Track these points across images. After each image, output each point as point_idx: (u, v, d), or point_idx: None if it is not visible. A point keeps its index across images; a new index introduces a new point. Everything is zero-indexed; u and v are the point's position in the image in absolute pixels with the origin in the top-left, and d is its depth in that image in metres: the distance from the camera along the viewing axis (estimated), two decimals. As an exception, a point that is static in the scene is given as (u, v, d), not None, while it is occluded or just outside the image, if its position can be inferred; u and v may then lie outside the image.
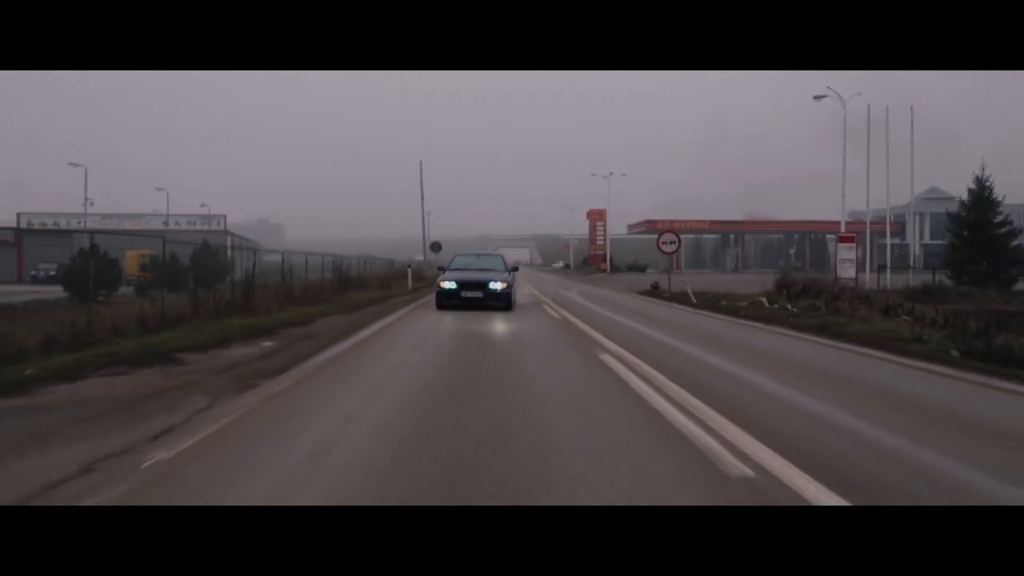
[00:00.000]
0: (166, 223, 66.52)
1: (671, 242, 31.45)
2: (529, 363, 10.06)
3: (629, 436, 5.78)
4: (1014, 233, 43.12)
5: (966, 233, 42.15)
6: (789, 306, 21.08)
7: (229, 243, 48.23)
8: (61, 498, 4.09)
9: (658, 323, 17.23)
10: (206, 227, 65.41)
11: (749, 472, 4.74)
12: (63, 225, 63.93)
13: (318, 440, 5.49)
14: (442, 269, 21.60)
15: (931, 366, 10.44)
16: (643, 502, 4.14)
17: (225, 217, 69.93)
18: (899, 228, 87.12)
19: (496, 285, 18.77)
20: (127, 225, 65.21)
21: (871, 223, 57.35)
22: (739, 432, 5.79)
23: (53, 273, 34.51)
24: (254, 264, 21.43)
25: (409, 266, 38.92)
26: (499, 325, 15.11)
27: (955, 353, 11.64)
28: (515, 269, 22.32)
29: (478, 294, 18.63)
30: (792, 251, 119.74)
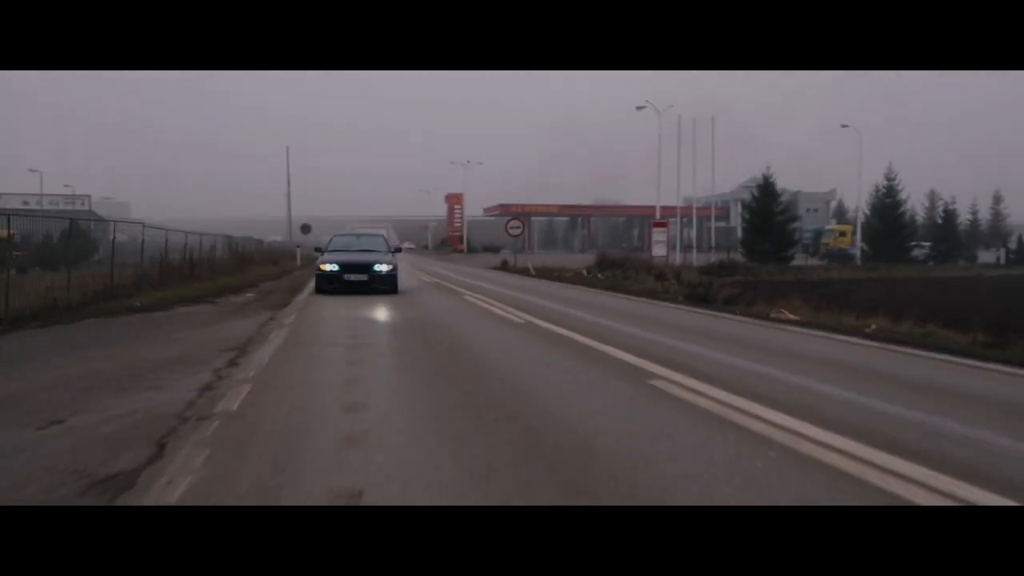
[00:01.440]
0: (26, 203, 67.42)
1: (516, 227, 38.61)
2: (425, 298, 16.71)
3: (475, 316, 12.55)
4: (791, 219, 53.44)
5: (755, 220, 51.81)
6: (599, 275, 28.62)
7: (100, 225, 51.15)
8: (271, 328, 10.28)
9: (500, 284, 24.18)
10: (70, 206, 66.91)
11: (523, 322, 11.57)
12: None
13: (343, 308, 11.87)
14: (320, 251, 19.98)
15: (659, 302, 17.81)
16: (480, 335, 10.85)
17: (89, 197, 71.54)
18: (725, 212, 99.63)
19: (381, 268, 17.73)
20: (-16, 206, 65.79)
21: (699, 208, 67.47)
22: (523, 313, 12.66)
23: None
24: (167, 242, 26.00)
25: (298, 246, 44.19)
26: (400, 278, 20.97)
27: (680, 298, 19.15)
28: (398, 250, 21.50)
29: (362, 276, 17.50)
30: (635, 232, 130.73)
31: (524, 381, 7.20)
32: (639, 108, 48.67)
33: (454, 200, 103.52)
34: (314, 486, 3.89)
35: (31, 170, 72.96)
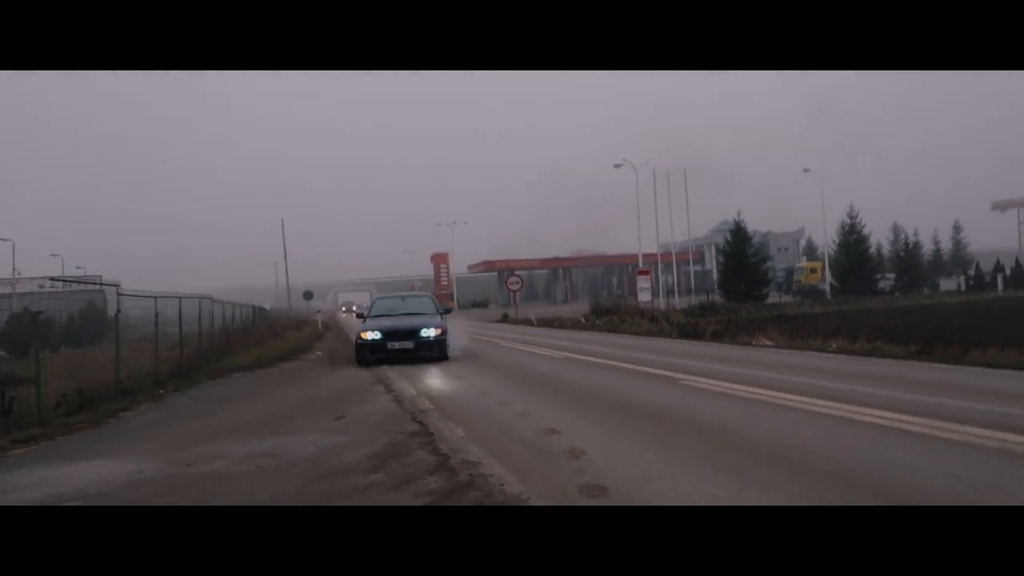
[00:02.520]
0: (41, 286, 70.36)
1: (516, 282, 42.39)
2: (466, 344, 20.25)
3: (520, 355, 16.15)
4: (763, 260, 57.75)
5: (730, 263, 55.99)
6: (597, 321, 32.33)
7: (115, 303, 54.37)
8: (383, 370, 13.75)
9: (515, 333, 27.78)
10: (81, 287, 69.76)
11: (561, 356, 15.14)
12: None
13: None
14: (362, 317, 18.78)
15: (657, 338, 21.48)
16: (537, 366, 14.40)
17: (100, 276, 74.57)
18: (700, 256, 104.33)
19: (429, 333, 15.95)
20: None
21: (678, 253, 71.95)
22: (555, 351, 16.24)
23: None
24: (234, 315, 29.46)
25: (318, 311, 47.64)
26: None
27: (675, 334, 22.83)
28: (447, 311, 19.52)
29: (407, 344, 15.82)
30: (615, 280, 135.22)
31: (590, 386, 10.83)
32: (617, 166, 52.97)
33: (439, 259, 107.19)
34: (510, 419, 7.43)
35: (53, 255, 76.05)
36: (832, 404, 7.95)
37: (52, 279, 11.86)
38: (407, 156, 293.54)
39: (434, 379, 12.62)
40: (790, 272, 77.07)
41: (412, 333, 16.02)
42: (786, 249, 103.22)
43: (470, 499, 4.96)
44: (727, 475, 5.36)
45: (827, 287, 61.90)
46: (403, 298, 20.33)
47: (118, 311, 13.75)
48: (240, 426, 8.76)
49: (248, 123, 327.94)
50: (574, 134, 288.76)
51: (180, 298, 18.56)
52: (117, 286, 13.50)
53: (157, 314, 16.15)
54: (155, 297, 16.17)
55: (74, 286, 78.53)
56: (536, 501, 4.82)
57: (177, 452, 7.23)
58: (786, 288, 68.33)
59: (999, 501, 4.49)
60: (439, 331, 16.11)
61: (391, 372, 13.90)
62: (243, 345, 25.09)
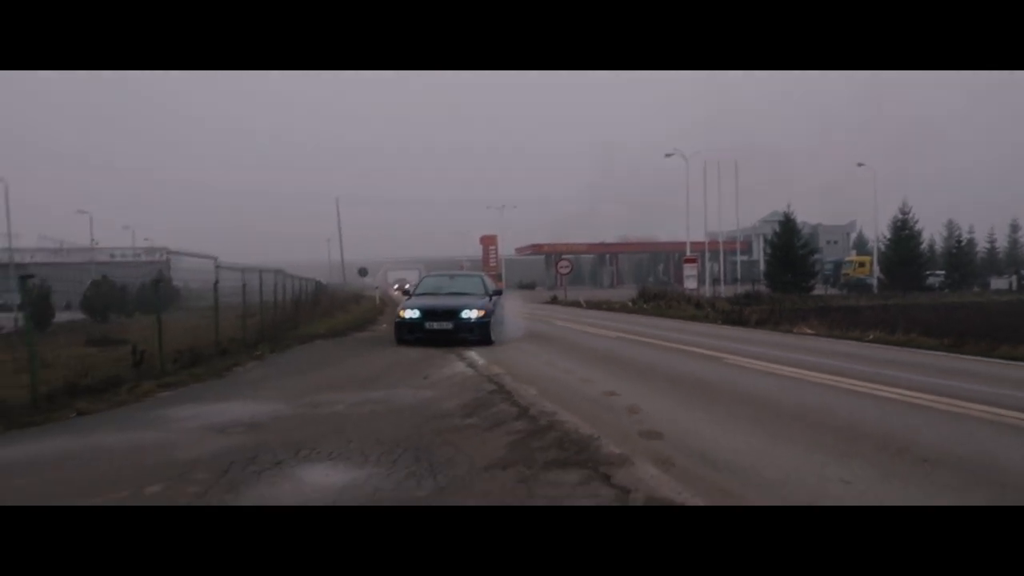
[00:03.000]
0: (112, 255, 73.70)
1: (566, 266, 43.71)
2: (523, 324, 21.63)
3: (575, 334, 17.46)
4: (811, 252, 58.08)
5: (777, 253, 56.46)
6: (644, 305, 33.49)
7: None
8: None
9: (566, 314, 29.09)
10: (150, 259, 73.11)
11: (614, 335, 16.43)
12: (16, 259, 70.29)
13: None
14: (407, 293, 18.27)
15: (702, 323, 22.63)
16: (592, 344, 15.71)
17: (167, 249, 77.69)
18: (748, 246, 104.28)
19: (470, 313, 15.24)
20: (75, 259, 71.94)
21: (725, 243, 72.56)
22: (606, 331, 17.51)
23: (15, 302, 41.05)
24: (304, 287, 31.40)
25: (377, 287, 49.59)
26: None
27: (719, 320, 23.94)
28: (498, 292, 17.91)
29: (446, 325, 15.14)
30: (661, 267, 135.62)
31: (642, 361, 12.14)
32: (668, 155, 53.75)
33: (488, 241, 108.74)
34: (574, 384, 8.77)
35: (124, 227, 79.67)
36: (856, 382, 9.16)
37: (170, 252, 13.00)
38: (461, 141, 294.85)
39: (501, 351, 13.99)
40: (838, 265, 76.88)
41: (452, 313, 15.34)
42: (836, 242, 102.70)
43: (551, 439, 6.30)
44: (761, 428, 6.66)
45: (874, 281, 61.95)
46: (451, 277, 19.49)
47: (216, 280, 15.35)
48: (341, 382, 10.24)
49: (308, 112, 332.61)
50: (626, 119, 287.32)
51: (260, 271, 20.51)
52: (215, 259, 14.96)
53: (244, 285, 17.81)
54: (242, 270, 17.90)
55: (143, 258, 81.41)
56: (606, 443, 6.13)
57: (299, 398, 8.73)
58: (833, 281, 68.43)
59: (977, 454, 5.72)
60: (481, 313, 15.33)
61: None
62: (312, 316, 26.82)
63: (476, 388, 9.15)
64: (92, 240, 67.62)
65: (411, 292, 17.70)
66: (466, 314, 15.27)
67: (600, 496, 4.59)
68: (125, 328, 21.11)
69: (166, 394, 9.38)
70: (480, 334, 15.09)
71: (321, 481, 5.12)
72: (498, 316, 16.56)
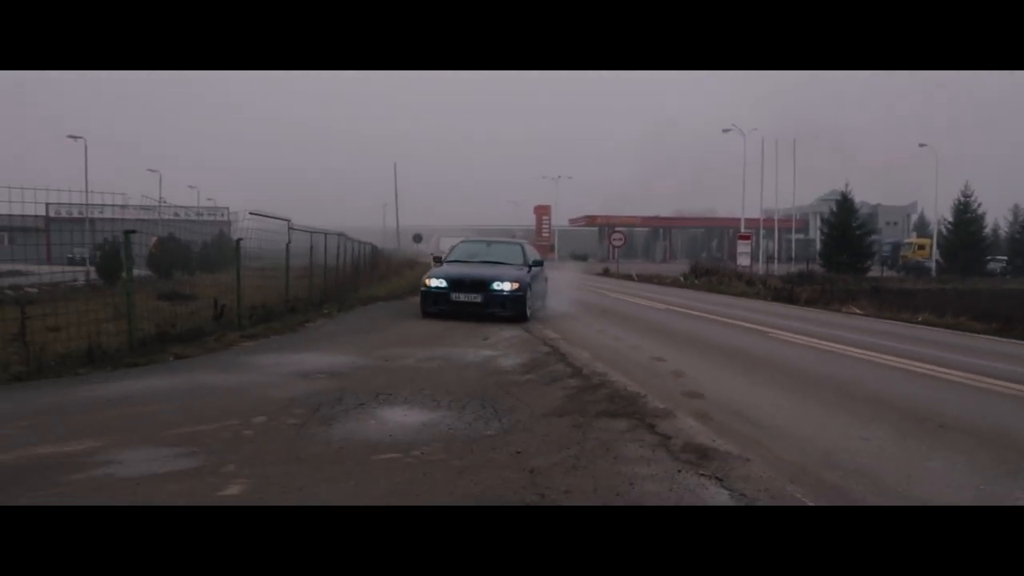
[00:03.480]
0: (177, 214, 76.16)
1: (619, 239, 44.08)
2: (576, 295, 22.28)
3: (627, 306, 18.05)
4: (868, 232, 57.34)
5: (834, 233, 55.90)
6: (696, 280, 33.82)
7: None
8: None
9: (618, 287, 29.67)
10: (212, 217, 75.36)
11: (664, 308, 16.99)
12: (85, 214, 72.81)
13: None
14: (438, 260, 16.25)
15: (753, 300, 23.00)
16: (644, 316, 16.31)
17: (228, 209, 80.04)
18: (804, 225, 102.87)
19: (503, 285, 13.63)
20: (141, 215, 74.33)
21: (781, 220, 71.88)
22: (657, 304, 18.06)
23: (86, 256, 43.09)
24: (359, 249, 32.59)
25: (431, 253, 50.57)
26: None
27: (769, 298, 24.26)
28: (539, 263, 15.77)
29: (475, 297, 13.61)
30: (714, 243, 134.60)
31: (690, 332, 12.73)
32: (725, 131, 53.45)
33: (542, 211, 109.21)
34: (624, 350, 9.41)
35: (190, 187, 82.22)
36: (892, 358, 9.66)
37: (252, 213, 13.83)
38: (520, 109, 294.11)
39: (553, 320, 14.68)
40: (896, 247, 75.53)
41: (482, 285, 13.70)
42: (895, 223, 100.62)
43: (602, 395, 6.98)
44: (795, 393, 7.28)
45: (933, 264, 60.95)
46: (488, 244, 17.23)
47: (288, 241, 16.28)
48: (407, 340, 11.04)
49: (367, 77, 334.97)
50: (685, 92, 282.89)
51: (325, 234, 21.46)
52: (288, 221, 15.77)
53: (312, 247, 18.80)
54: (311, 232, 18.82)
55: (206, 216, 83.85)
56: (652, 400, 6.78)
57: (370, 352, 9.55)
58: (891, 263, 67.40)
59: (993, 425, 6.25)
60: (515, 286, 13.62)
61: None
62: (370, 280, 27.83)
63: (533, 350, 9.87)
64: (160, 199, 70.01)
65: (443, 259, 15.98)
66: (498, 286, 13.62)
67: (645, 441, 5.27)
68: (190, 284, 22.35)
69: (250, 344, 10.29)
70: (513, 309, 13.48)
71: (401, 420, 5.89)
72: (537, 290, 14.90)
